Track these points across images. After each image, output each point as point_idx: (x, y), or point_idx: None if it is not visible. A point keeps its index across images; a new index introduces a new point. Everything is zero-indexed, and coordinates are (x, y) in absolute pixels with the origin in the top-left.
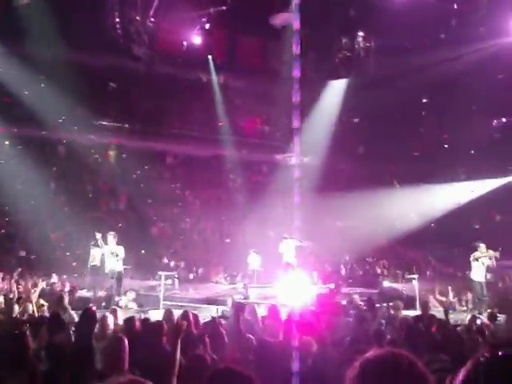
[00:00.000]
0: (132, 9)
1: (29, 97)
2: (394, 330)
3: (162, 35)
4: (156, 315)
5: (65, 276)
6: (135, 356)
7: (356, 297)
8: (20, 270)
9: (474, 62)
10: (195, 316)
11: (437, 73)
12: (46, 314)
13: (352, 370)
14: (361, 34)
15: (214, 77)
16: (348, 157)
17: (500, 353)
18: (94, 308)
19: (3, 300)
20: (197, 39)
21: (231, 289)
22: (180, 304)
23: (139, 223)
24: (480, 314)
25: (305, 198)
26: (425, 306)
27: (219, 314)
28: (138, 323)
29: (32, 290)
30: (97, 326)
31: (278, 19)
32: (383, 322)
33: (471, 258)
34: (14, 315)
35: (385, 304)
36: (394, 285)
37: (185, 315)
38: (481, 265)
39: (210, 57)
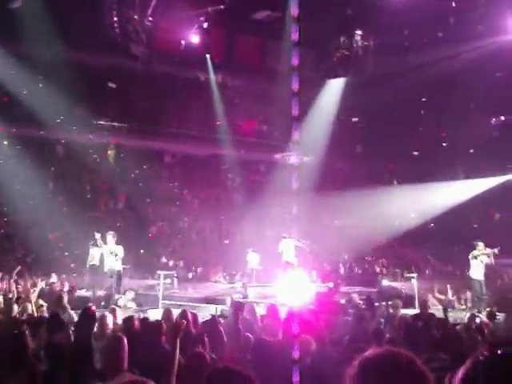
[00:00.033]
0: (130, 8)
1: (27, 96)
2: (393, 328)
3: (160, 34)
4: (155, 314)
5: (64, 276)
6: (134, 355)
7: (355, 296)
8: (19, 267)
9: (472, 60)
10: (194, 315)
11: (435, 71)
12: (46, 314)
13: (351, 369)
14: (359, 32)
15: (212, 76)
16: (346, 156)
17: (499, 351)
18: (93, 307)
19: (2, 300)
20: (195, 38)
21: (230, 288)
22: (179, 303)
23: (138, 222)
24: (479, 312)
25: (303, 197)
26: (424, 304)
27: (218, 313)
28: (137, 322)
29: (31, 290)
30: (96, 325)
31: (262, 15)
32: (382, 320)
33: (470, 257)
34: (13, 315)
35: (384, 303)
36: (393, 283)
37: (183, 314)
38: (480, 263)
39: (208, 56)
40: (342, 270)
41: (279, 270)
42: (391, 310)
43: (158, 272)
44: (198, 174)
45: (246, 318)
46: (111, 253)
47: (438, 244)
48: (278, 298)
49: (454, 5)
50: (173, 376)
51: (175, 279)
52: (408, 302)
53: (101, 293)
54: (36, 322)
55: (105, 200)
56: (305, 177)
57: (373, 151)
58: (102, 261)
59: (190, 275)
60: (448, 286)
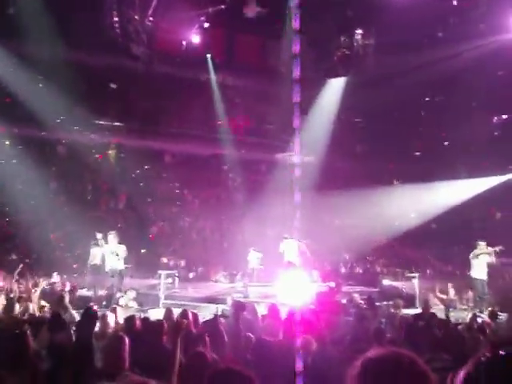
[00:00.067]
0: (130, 8)
1: (28, 97)
2: (394, 328)
3: (161, 34)
4: (156, 314)
5: (65, 275)
6: (136, 355)
7: (356, 295)
8: (21, 266)
9: (473, 59)
10: (194, 315)
11: (436, 70)
12: (47, 314)
13: (353, 369)
14: (359, 31)
15: (213, 76)
16: (347, 155)
17: (501, 352)
18: (95, 307)
19: (4, 299)
20: (195, 38)
21: (231, 288)
22: (180, 303)
23: (139, 222)
24: (481, 312)
25: (304, 196)
26: (425, 304)
27: (220, 313)
28: (138, 322)
29: (33, 290)
30: (97, 324)
31: (251, 11)
32: (383, 320)
33: (471, 256)
34: (14, 314)
35: (385, 302)
36: (394, 283)
37: (184, 314)
38: (481, 262)
39: (208, 56)
40: (342, 270)
41: (280, 270)
42: (392, 310)
43: (159, 271)
44: (199, 173)
45: (246, 317)
46: (112, 252)
47: (438, 244)
48: (278, 297)
49: (455, 3)
50: (174, 375)
51: (176, 279)
52: (409, 301)
53: (102, 292)
54: (37, 322)
55: (106, 200)
56: (305, 176)
57: (373, 151)
58: (103, 260)
59: (191, 275)
60: (449, 285)
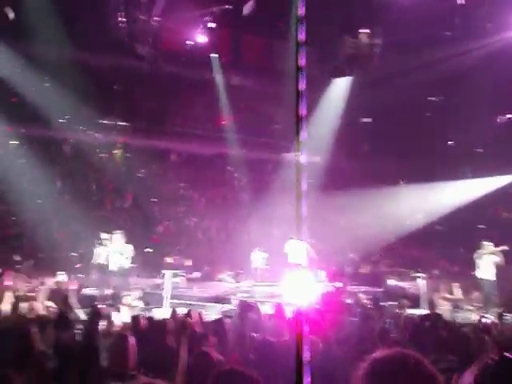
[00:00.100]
0: (136, 8)
1: (35, 97)
2: (399, 328)
3: (166, 34)
4: (161, 313)
5: (71, 274)
6: (141, 354)
7: (361, 295)
8: (29, 264)
9: (479, 58)
10: (199, 314)
11: (443, 69)
12: (53, 313)
13: (360, 370)
14: (365, 30)
15: (219, 76)
16: (352, 155)
17: (508, 355)
18: (100, 306)
19: (11, 297)
20: (201, 38)
21: (236, 287)
22: (185, 302)
23: (144, 222)
24: (487, 312)
25: (310, 196)
26: (431, 304)
27: (225, 313)
28: (143, 321)
29: (39, 289)
30: (103, 323)
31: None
32: (388, 320)
33: (475, 256)
34: (20, 313)
35: (390, 302)
36: (400, 283)
37: (189, 314)
38: (486, 262)
39: (214, 56)
40: (348, 270)
41: (286, 270)
42: (398, 310)
43: (164, 271)
44: (204, 173)
45: (251, 317)
46: (118, 252)
47: (445, 244)
48: (284, 297)
49: (461, 2)
50: (179, 374)
51: (181, 278)
52: (414, 301)
53: (108, 291)
54: (43, 321)
55: (111, 199)
56: (311, 176)
57: (379, 150)
58: (108, 260)
59: (196, 274)
60: (455, 285)
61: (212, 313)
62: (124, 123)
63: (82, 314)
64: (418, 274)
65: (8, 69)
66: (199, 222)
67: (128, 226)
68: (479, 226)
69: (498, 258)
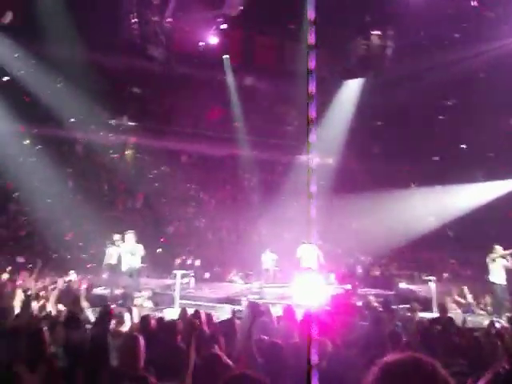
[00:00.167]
0: (149, 10)
1: (47, 97)
2: (410, 332)
3: (179, 36)
4: (171, 314)
5: (82, 274)
6: (150, 354)
7: (372, 298)
8: (40, 265)
9: (492, 60)
10: (208, 315)
11: (455, 72)
12: (63, 312)
13: (371, 374)
14: (377, 32)
15: (230, 77)
16: (363, 157)
17: None
18: (111, 306)
19: (22, 296)
20: (213, 39)
21: (246, 288)
22: (195, 303)
23: (155, 222)
24: (499, 317)
25: (321, 198)
26: (442, 308)
27: (235, 314)
28: (153, 322)
29: (50, 287)
30: (113, 323)
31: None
32: (399, 323)
33: (487, 260)
34: (31, 312)
35: (401, 306)
36: (411, 286)
37: (196, 314)
38: (499, 266)
39: (226, 57)
40: (358, 272)
41: (296, 272)
42: (409, 314)
43: (175, 271)
44: (215, 174)
45: (261, 319)
46: (130, 252)
47: (456, 247)
48: (294, 299)
49: (474, 4)
50: (189, 376)
51: (192, 279)
52: (425, 305)
53: (118, 291)
54: (53, 321)
55: (122, 199)
56: (323, 178)
57: (390, 153)
58: (119, 260)
59: (207, 275)
60: (467, 289)
61: (222, 314)
62: (136, 124)
63: (92, 315)
64: (430, 278)
65: (21, 69)
66: (210, 223)
67: (139, 227)
68: (491, 230)
69: (507, 262)
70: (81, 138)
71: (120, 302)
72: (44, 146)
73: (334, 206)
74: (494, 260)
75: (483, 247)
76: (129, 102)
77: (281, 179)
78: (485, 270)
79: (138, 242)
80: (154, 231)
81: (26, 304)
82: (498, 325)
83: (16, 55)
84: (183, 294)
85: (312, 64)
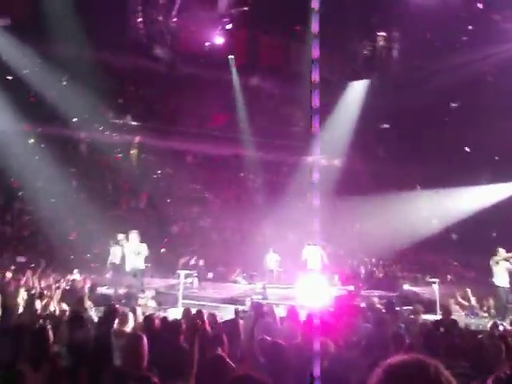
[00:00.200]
0: (155, 9)
1: (52, 96)
2: (413, 333)
3: (184, 35)
4: (175, 314)
5: (85, 273)
6: (154, 354)
7: (375, 299)
8: (44, 264)
9: (499, 63)
10: (212, 315)
11: (461, 74)
12: (67, 312)
13: (374, 376)
14: (383, 34)
15: (236, 77)
16: (368, 159)
17: None
18: (116, 306)
19: (26, 295)
20: (219, 39)
21: (250, 289)
22: (198, 303)
23: (159, 222)
24: (503, 320)
25: (326, 199)
26: (446, 310)
27: (238, 313)
28: (157, 321)
29: (54, 286)
30: (116, 323)
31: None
32: (402, 325)
33: (491, 263)
34: (35, 311)
35: (404, 307)
36: (414, 288)
37: (199, 314)
38: (502, 269)
39: (231, 57)
40: (362, 274)
41: (300, 273)
42: (412, 316)
43: (178, 271)
44: (220, 174)
45: (265, 319)
46: (134, 251)
47: (460, 250)
48: (298, 300)
49: (480, 6)
50: (192, 376)
51: (195, 279)
52: (429, 307)
53: (122, 291)
54: (57, 320)
55: (127, 199)
56: (328, 179)
57: (395, 155)
58: (123, 260)
59: (210, 275)
60: (470, 291)
61: (226, 314)
62: (141, 123)
63: (95, 314)
64: (433, 280)
65: (27, 68)
66: (214, 223)
67: (143, 226)
68: (495, 232)
69: (511, 265)
70: (85, 138)
71: (123, 301)
72: (48, 145)
73: (338, 207)
74: (497, 263)
75: (487, 250)
76: (134, 102)
77: (286, 180)
78: (488, 272)
79: (141, 241)
80: (158, 231)
81: (29, 303)
82: (501, 327)
83: (22, 54)
84: (187, 294)
85: (316, 53)
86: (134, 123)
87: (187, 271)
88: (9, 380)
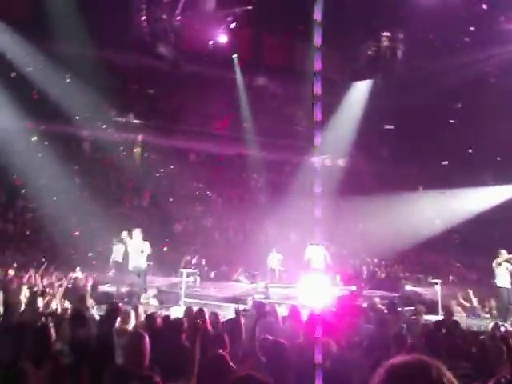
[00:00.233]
0: (159, 7)
1: (56, 94)
2: (415, 334)
3: (188, 34)
4: (176, 312)
5: (88, 271)
6: (155, 352)
7: (377, 300)
8: (46, 263)
9: (502, 63)
10: (214, 314)
11: (465, 75)
12: (69, 310)
13: (377, 376)
14: (386, 34)
15: (239, 76)
16: (372, 160)
17: None
18: (118, 304)
19: (28, 292)
20: (222, 38)
21: (252, 288)
22: (201, 302)
23: (162, 220)
24: (505, 321)
25: (329, 199)
26: (448, 311)
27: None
28: (159, 320)
29: (57, 284)
30: (118, 321)
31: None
32: (404, 326)
33: (493, 264)
34: (37, 308)
35: (406, 308)
36: (416, 289)
37: (200, 313)
38: (505, 270)
39: (235, 56)
40: (364, 274)
41: (302, 272)
42: (414, 316)
43: (181, 270)
44: (223, 173)
45: (267, 319)
46: (137, 249)
47: (462, 251)
48: (300, 299)
49: (484, 7)
50: (194, 375)
51: (197, 277)
52: (431, 307)
53: (124, 289)
54: (59, 318)
55: (130, 197)
56: (331, 179)
57: (398, 155)
58: (125, 258)
59: (213, 274)
60: (472, 292)
61: (228, 313)
62: (144, 122)
63: (97, 312)
64: (435, 280)
65: (30, 65)
66: (217, 223)
67: (146, 225)
68: (498, 233)
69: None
70: (88, 136)
71: (126, 299)
72: (52, 143)
73: (341, 207)
74: (499, 264)
75: (489, 251)
76: (137, 100)
77: (288, 180)
78: (490, 273)
79: (144, 239)
80: (161, 229)
81: (31, 301)
82: (502, 328)
83: (25, 52)
84: (189, 293)
85: (318, 65)
86: (137, 121)
87: (189, 270)
88: (11, 378)
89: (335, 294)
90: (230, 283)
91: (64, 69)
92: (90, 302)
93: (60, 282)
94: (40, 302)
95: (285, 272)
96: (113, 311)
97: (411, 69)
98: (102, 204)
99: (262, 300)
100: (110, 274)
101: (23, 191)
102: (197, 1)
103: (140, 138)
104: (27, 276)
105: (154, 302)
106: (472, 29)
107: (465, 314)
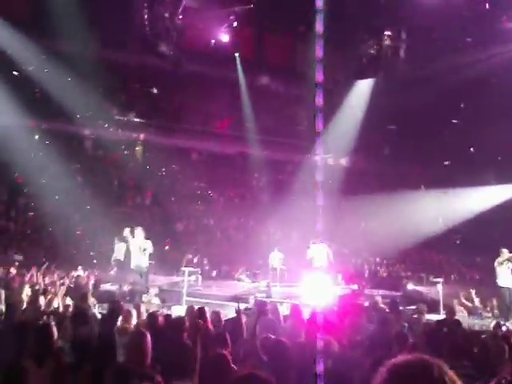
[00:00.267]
0: (161, 6)
1: (58, 92)
2: (417, 333)
3: (190, 33)
4: (178, 311)
5: (90, 270)
6: (157, 351)
7: (379, 299)
8: (48, 263)
9: (504, 63)
10: (215, 313)
11: (467, 74)
12: (71, 308)
13: (379, 375)
14: (388, 33)
15: (241, 75)
16: (374, 158)
17: None
18: (120, 303)
19: (30, 291)
20: (224, 37)
21: (253, 287)
22: (202, 300)
23: (164, 219)
24: (506, 320)
25: (330, 198)
26: (449, 310)
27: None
28: (160, 318)
29: (58, 282)
30: (120, 320)
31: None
32: (406, 325)
33: (495, 264)
34: (38, 307)
35: (408, 307)
36: (418, 288)
37: (201, 312)
38: (506, 269)
39: (237, 54)
40: (366, 273)
41: (304, 271)
42: (415, 315)
43: (183, 269)
44: (225, 172)
45: (268, 317)
46: (140, 248)
47: (464, 250)
48: (302, 298)
49: (487, 6)
50: (195, 374)
51: (199, 276)
52: (433, 307)
53: (126, 288)
54: (60, 316)
55: (131, 196)
56: (332, 178)
57: (400, 154)
58: (127, 256)
59: (214, 273)
60: (473, 292)
61: (230, 312)
62: (145, 120)
63: (99, 311)
64: (437, 279)
65: (32, 64)
66: (218, 222)
67: (147, 224)
68: (500, 233)
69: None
70: (90, 134)
71: (127, 298)
72: (53, 142)
73: (342, 206)
74: (501, 263)
75: (491, 250)
76: (139, 99)
77: (290, 179)
78: (492, 273)
79: (146, 237)
80: (163, 228)
81: (33, 299)
82: (504, 328)
83: (27, 50)
84: (190, 292)
85: (320, 77)
86: (138, 120)
87: (191, 269)
88: (13, 376)
89: (337, 292)
90: (231, 282)
91: (66, 68)
92: (91, 300)
93: (62, 281)
94: (42, 301)
95: (286, 271)
96: (114, 310)
97: (413, 68)
98: (104, 203)
99: (264, 299)
100: (112, 272)
101: (25, 189)
102: (199, 0)
103: (142, 136)
104: (29, 274)
105: (156, 301)
106: (474, 28)
107: (466, 314)
